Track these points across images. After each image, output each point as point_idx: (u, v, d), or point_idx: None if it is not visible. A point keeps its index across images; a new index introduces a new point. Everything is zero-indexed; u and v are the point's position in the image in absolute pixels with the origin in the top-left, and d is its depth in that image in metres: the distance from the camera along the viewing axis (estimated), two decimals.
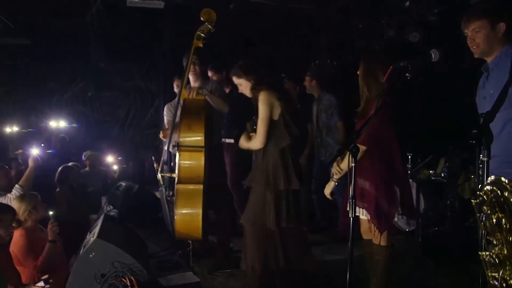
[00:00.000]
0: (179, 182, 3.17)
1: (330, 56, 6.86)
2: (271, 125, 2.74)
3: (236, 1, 5.58)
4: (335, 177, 2.52)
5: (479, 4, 3.32)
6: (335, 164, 2.44)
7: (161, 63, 8.33)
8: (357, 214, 2.43)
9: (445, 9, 4.72)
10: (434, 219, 4.38)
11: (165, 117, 5.10)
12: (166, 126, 5.09)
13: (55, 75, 8.62)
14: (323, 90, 4.74)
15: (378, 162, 2.39)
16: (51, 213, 3.08)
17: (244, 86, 2.97)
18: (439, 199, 4.33)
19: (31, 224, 3.09)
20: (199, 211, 3.10)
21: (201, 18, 3.51)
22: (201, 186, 3.10)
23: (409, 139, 4.53)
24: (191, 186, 3.11)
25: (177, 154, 3.29)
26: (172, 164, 3.65)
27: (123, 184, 5.14)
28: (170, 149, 3.63)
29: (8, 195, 3.49)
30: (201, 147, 3.10)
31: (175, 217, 3.16)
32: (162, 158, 3.78)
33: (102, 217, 3.36)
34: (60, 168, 4.58)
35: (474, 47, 2.19)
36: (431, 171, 4.67)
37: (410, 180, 4.41)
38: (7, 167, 3.95)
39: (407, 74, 1.93)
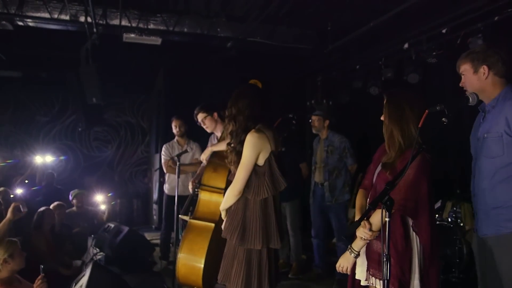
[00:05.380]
0: (193, 217, 3.14)
1: (326, 96, 6.83)
2: (254, 171, 2.34)
3: (234, 40, 5.56)
4: (362, 241, 2.01)
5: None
6: (362, 229, 1.96)
7: (154, 100, 8.23)
8: (369, 284, 2.07)
9: (444, 51, 4.71)
10: (441, 266, 4.16)
11: (162, 157, 4.96)
12: (164, 166, 4.92)
13: (45, 109, 8.44)
14: (331, 130, 4.63)
15: (402, 225, 1.97)
16: (42, 266, 2.78)
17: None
18: (446, 245, 4.13)
19: (7, 275, 2.78)
20: (204, 249, 2.95)
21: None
22: (212, 225, 3.00)
23: None
24: (202, 223, 3.05)
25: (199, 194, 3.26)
26: (191, 208, 3.49)
27: (112, 225, 4.85)
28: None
29: None
30: (221, 189, 3.05)
31: (178, 254, 3.02)
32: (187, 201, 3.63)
33: (90, 266, 3.08)
34: (36, 213, 4.33)
35: (464, 90, 2.20)
36: (437, 216, 4.50)
37: None
38: None
39: (443, 119, 1.79)
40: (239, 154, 2.36)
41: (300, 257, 4.82)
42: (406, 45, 5.07)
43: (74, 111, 8.19)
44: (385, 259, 1.64)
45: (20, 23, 4.92)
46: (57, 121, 8.56)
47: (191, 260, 2.98)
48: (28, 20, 4.86)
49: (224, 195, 2.60)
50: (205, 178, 3.16)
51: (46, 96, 8.38)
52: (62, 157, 8.40)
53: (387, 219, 1.63)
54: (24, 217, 4.05)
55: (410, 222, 2.02)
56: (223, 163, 2.87)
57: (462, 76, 2.22)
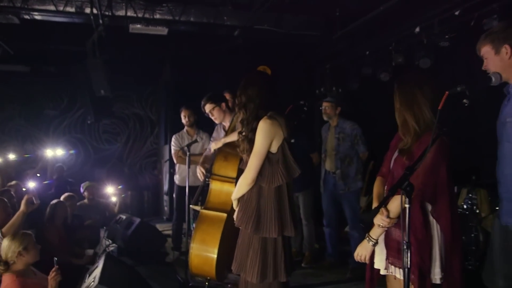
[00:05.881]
0: (205, 208, 3.14)
1: (335, 84, 6.74)
2: (268, 159, 2.28)
3: (241, 28, 5.48)
4: (379, 228, 1.95)
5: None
6: (379, 216, 1.90)
7: (162, 91, 8.21)
8: (388, 273, 2.01)
9: (457, 35, 4.59)
10: None
11: (172, 147, 4.94)
12: (174, 157, 4.90)
13: (54, 103, 8.47)
14: (342, 117, 4.55)
15: (421, 211, 1.90)
16: (55, 258, 2.79)
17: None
18: (462, 233, 4.07)
19: (22, 268, 2.79)
20: (217, 239, 2.95)
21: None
22: (224, 215, 3.00)
23: None
24: (215, 213, 3.05)
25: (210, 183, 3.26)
26: (200, 198, 3.47)
27: (123, 217, 4.85)
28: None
29: None
30: (233, 178, 3.02)
31: (191, 244, 3.03)
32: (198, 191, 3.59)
33: (103, 257, 3.08)
34: (49, 206, 4.36)
35: (488, 73, 2.07)
36: None
37: None
38: (6, 200, 3.65)
39: (464, 101, 1.72)
40: (251, 142, 2.31)
41: (313, 246, 4.80)
42: (417, 29, 4.94)
43: (82, 104, 8.20)
44: (405, 247, 1.59)
45: (26, 17, 4.91)
46: (66, 115, 8.58)
47: (204, 250, 2.99)
48: (34, 13, 4.84)
49: (235, 185, 2.55)
50: (216, 168, 3.13)
51: (55, 90, 8.40)
52: (72, 151, 8.45)
53: (407, 205, 1.58)
54: (36, 210, 4.08)
55: (429, 208, 1.96)
56: (234, 151, 2.84)
57: (484, 60, 2.10)
